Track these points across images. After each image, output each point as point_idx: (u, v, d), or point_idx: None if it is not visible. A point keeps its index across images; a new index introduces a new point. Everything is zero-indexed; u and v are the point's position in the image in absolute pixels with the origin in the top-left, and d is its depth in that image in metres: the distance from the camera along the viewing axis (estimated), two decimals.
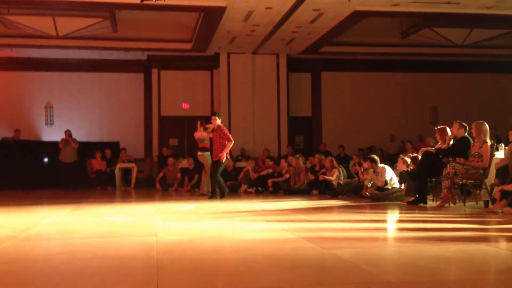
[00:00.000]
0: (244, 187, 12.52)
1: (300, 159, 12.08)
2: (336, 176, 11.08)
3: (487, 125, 7.85)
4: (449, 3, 11.55)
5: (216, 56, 16.21)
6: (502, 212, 6.69)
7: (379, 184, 9.46)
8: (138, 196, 11.89)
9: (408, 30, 14.29)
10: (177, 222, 6.40)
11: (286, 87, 16.50)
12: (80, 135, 15.22)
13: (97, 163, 14.71)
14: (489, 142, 7.77)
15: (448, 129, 8.45)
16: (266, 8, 11.76)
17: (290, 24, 13.08)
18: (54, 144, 14.67)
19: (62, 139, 14.39)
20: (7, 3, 11.63)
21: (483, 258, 3.95)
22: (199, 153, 11.05)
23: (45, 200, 10.83)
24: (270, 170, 12.59)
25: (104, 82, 16.64)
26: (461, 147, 7.98)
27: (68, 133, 14.38)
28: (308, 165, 12.37)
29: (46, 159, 15.36)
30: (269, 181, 12.19)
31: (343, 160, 14.13)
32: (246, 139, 15.90)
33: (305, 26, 13.28)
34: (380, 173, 9.57)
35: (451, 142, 8.29)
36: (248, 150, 15.73)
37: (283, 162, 12.44)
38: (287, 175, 12.01)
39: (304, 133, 17.46)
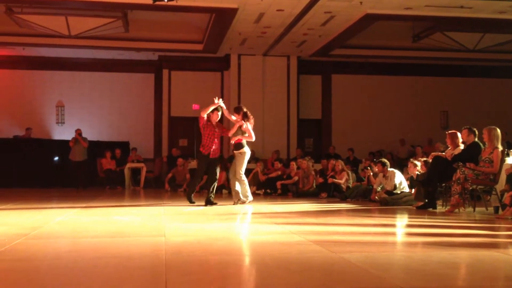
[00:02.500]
0: (253, 189, 12.49)
1: (309, 162, 12.06)
2: (345, 179, 11.06)
3: (499, 131, 7.80)
4: (461, 7, 11.49)
5: (227, 57, 16.24)
6: None
7: (388, 188, 9.42)
8: (147, 196, 11.92)
9: (420, 34, 14.22)
10: (186, 223, 6.41)
11: (296, 89, 16.48)
12: (90, 134, 15.30)
13: (107, 163, 14.78)
14: (500, 148, 7.72)
15: (459, 134, 8.39)
16: (277, 10, 11.76)
17: (302, 27, 13.07)
18: (64, 143, 14.77)
19: (73, 138, 14.47)
20: (21, 2, 11.72)
21: (492, 264, 3.93)
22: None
23: (55, 198, 10.89)
24: (279, 172, 12.58)
25: (115, 82, 16.73)
26: (472, 152, 7.92)
27: (78, 132, 14.45)
28: (318, 167, 12.36)
29: (56, 158, 15.45)
30: (278, 183, 12.18)
31: (353, 163, 14.09)
32: (255, 141, 15.78)
33: (316, 28, 13.27)
34: (390, 177, 9.53)
35: (461, 148, 8.23)
36: (258, 152, 15.72)
37: (293, 165, 12.42)
38: (296, 178, 11.99)
39: (314, 135, 17.44)
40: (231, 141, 9.19)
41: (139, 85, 16.88)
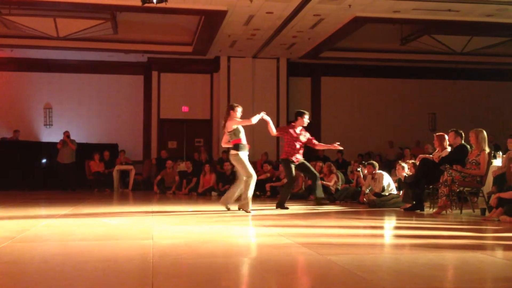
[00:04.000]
0: None
1: None
2: (334, 182, 11.09)
3: (485, 133, 7.87)
4: (449, 10, 11.58)
5: (216, 59, 16.24)
6: (499, 220, 6.69)
7: (377, 190, 9.47)
8: (136, 198, 11.88)
9: (408, 36, 14.32)
10: (174, 226, 6.39)
11: (286, 92, 16.52)
12: (78, 137, 15.23)
13: (95, 165, 14.70)
14: (487, 150, 7.79)
15: (446, 137, 8.46)
16: (267, 13, 11.79)
17: (291, 29, 13.11)
18: (52, 145, 14.68)
19: (61, 140, 14.39)
20: (8, 4, 11.65)
21: (478, 266, 3.96)
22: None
23: (43, 201, 10.82)
24: (268, 175, 12.59)
25: (103, 84, 16.66)
26: (459, 155, 7.98)
27: (66, 134, 14.38)
28: None
29: (44, 160, 15.36)
30: (267, 186, 12.19)
31: (341, 166, 14.13)
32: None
33: (305, 31, 13.31)
34: (378, 179, 9.58)
35: (449, 150, 8.29)
36: None
37: (282, 167, 12.42)
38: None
39: None
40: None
41: (128, 87, 16.82)
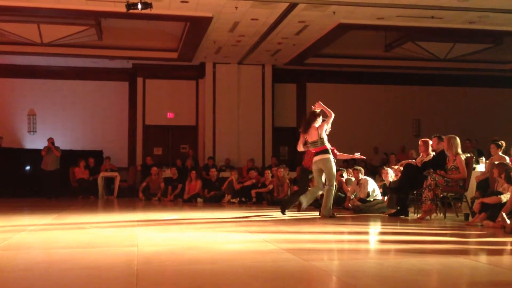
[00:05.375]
0: (227, 197, 12.50)
1: (285, 170, 12.10)
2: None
3: (458, 139, 8.02)
4: (432, 17, 11.70)
5: (202, 65, 16.24)
6: (482, 225, 6.76)
7: (362, 195, 9.52)
8: (121, 205, 11.81)
9: (392, 43, 14.46)
10: (159, 233, 6.37)
11: (271, 98, 16.57)
12: (63, 143, 15.11)
13: (80, 172, 14.58)
14: (462, 154, 7.91)
15: (431, 142, 8.54)
16: (252, 19, 11.83)
17: (276, 36, 13.16)
18: (36, 152, 14.54)
19: (45, 147, 14.27)
20: None
21: (461, 271, 3.99)
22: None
23: (26, 208, 10.71)
24: (254, 181, 12.60)
25: (88, 90, 16.57)
26: (440, 160, 8.09)
27: (51, 141, 14.26)
28: (292, 176, 12.41)
29: (28, 167, 15.22)
30: (253, 192, 12.20)
31: None
32: (230, 149, 15.92)
33: (290, 37, 13.37)
34: (363, 185, 9.63)
35: (432, 155, 8.38)
36: (233, 160, 15.74)
37: (267, 173, 12.46)
38: (271, 186, 12.02)
39: (289, 143, 17.49)
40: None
41: (113, 93, 16.75)
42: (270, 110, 16.52)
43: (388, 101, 17.76)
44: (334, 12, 11.29)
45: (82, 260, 4.42)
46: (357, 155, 8.95)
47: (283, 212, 8.52)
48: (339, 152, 9.03)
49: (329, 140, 8.41)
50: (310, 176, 8.67)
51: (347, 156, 9.43)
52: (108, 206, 11.83)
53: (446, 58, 14.99)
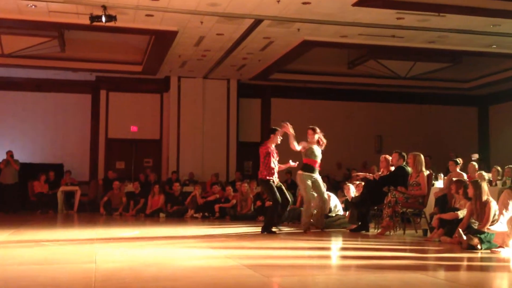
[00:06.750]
0: (190, 212, 12.42)
1: (249, 185, 12.10)
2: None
3: (422, 156, 8.25)
4: (393, 36, 11.98)
5: (167, 79, 16.17)
6: (439, 240, 6.90)
7: None
8: (81, 220, 11.59)
9: (355, 61, 14.71)
10: (119, 249, 6.27)
11: (236, 112, 16.59)
12: (22, 156, 14.75)
13: (39, 186, 14.24)
14: (425, 171, 8.10)
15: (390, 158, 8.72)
16: (217, 34, 11.87)
17: (241, 51, 13.23)
18: None
19: (3, 160, 13.93)
20: None
21: (419, 286, 4.06)
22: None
23: None
24: (217, 196, 12.56)
25: (49, 102, 16.24)
26: (396, 176, 8.27)
27: (9, 153, 13.93)
28: (256, 191, 12.40)
29: None
30: (216, 207, 12.15)
31: (290, 187, 14.23)
32: (194, 163, 15.83)
33: (255, 53, 13.46)
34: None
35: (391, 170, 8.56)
36: (197, 174, 15.65)
37: (228, 189, 12.44)
38: (234, 201, 12.01)
39: (253, 158, 17.51)
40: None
41: (75, 105, 16.46)
42: (234, 124, 16.53)
43: (351, 118, 18.00)
44: (298, 29, 11.44)
45: (40, 278, 4.32)
46: (292, 163, 8.84)
47: (269, 232, 8.11)
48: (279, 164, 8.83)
49: (290, 155, 8.49)
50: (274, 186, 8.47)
51: (283, 166, 9.14)
52: (67, 221, 11.60)
53: (407, 76, 15.32)
